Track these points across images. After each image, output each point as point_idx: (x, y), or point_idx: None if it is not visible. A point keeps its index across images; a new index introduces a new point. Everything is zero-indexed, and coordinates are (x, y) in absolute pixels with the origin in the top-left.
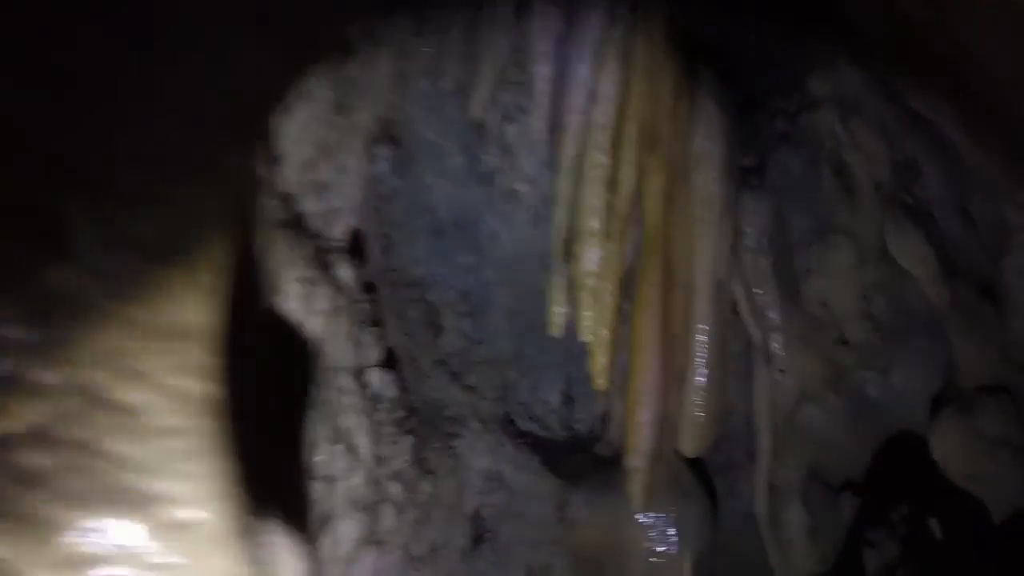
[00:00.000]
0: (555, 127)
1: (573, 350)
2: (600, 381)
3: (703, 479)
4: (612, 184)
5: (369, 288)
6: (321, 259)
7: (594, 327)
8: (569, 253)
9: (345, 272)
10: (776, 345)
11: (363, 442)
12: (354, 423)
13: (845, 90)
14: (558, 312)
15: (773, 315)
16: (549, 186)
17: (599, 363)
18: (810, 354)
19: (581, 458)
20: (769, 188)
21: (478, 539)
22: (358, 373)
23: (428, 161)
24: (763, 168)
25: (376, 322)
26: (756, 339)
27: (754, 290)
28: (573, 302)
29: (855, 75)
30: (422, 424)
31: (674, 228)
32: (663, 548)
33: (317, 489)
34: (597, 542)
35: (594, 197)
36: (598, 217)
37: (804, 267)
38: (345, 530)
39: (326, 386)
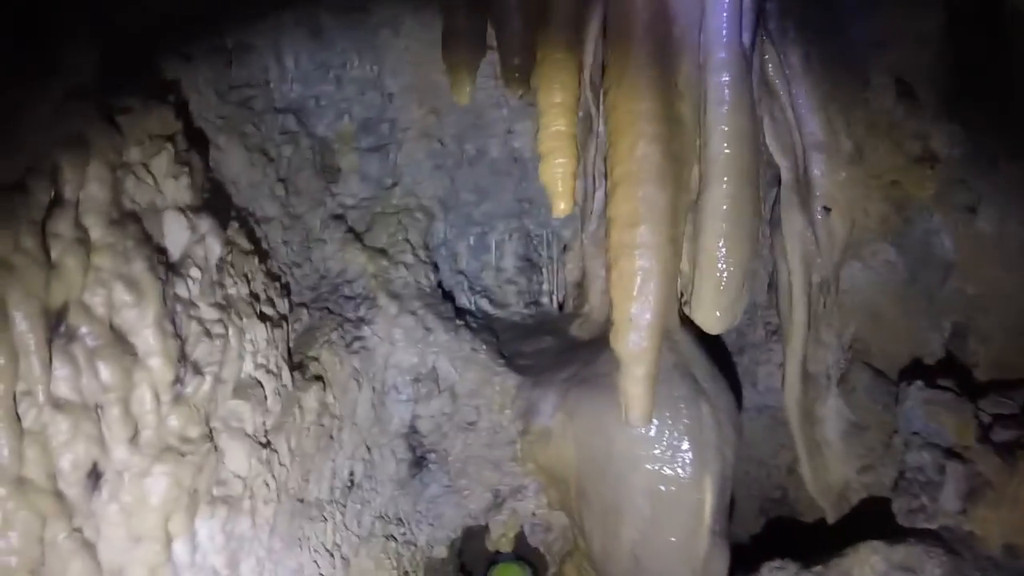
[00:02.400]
0: None
1: (530, 189)
2: (561, 202)
3: (721, 362)
4: None
5: (167, 88)
6: None
7: (539, 88)
8: None
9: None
10: (818, 171)
11: (147, 336)
12: (116, 301)
13: None
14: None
15: (812, 130)
16: None
17: (556, 166)
18: (869, 182)
19: (551, 343)
20: None
21: (419, 462)
22: (127, 218)
23: None
24: None
25: (179, 144)
26: (787, 167)
27: (782, 99)
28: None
29: None
30: (308, 310)
31: None
32: (673, 468)
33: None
34: (582, 458)
35: None
36: None
37: (872, 38)
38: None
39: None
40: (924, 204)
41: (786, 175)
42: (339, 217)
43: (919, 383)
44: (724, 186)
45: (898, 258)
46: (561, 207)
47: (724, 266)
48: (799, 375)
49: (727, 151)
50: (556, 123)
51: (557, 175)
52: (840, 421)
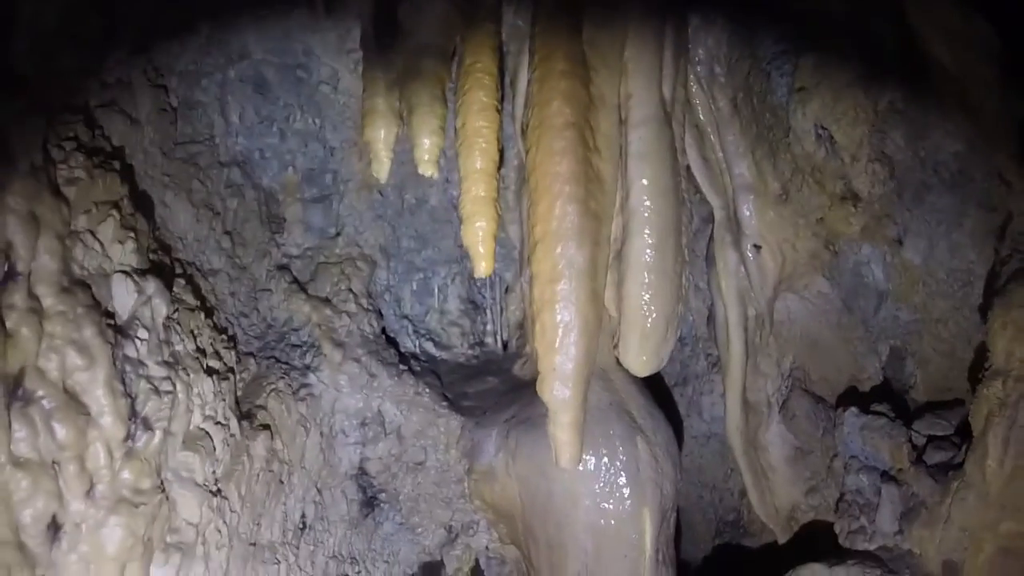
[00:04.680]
0: None
1: None
2: (482, 263)
3: (659, 396)
4: None
5: (112, 156)
6: None
7: (459, 153)
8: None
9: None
10: (747, 211)
11: (99, 397)
12: (68, 365)
13: None
14: (378, 137)
15: (741, 171)
16: None
17: (476, 231)
18: (796, 220)
19: (494, 384)
20: None
21: (370, 501)
22: (77, 285)
23: None
24: None
25: (125, 209)
26: (718, 206)
27: (712, 139)
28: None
29: None
30: (256, 359)
31: (590, 22)
32: (612, 504)
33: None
34: (525, 496)
35: None
36: None
37: (790, 87)
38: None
39: None
40: (852, 238)
41: (718, 214)
42: (284, 267)
43: (854, 409)
44: (646, 238)
45: (831, 289)
46: (482, 267)
47: (647, 313)
48: (740, 404)
49: (648, 204)
50: (476, 188)
51: (478, 238)
52: (784, 446)
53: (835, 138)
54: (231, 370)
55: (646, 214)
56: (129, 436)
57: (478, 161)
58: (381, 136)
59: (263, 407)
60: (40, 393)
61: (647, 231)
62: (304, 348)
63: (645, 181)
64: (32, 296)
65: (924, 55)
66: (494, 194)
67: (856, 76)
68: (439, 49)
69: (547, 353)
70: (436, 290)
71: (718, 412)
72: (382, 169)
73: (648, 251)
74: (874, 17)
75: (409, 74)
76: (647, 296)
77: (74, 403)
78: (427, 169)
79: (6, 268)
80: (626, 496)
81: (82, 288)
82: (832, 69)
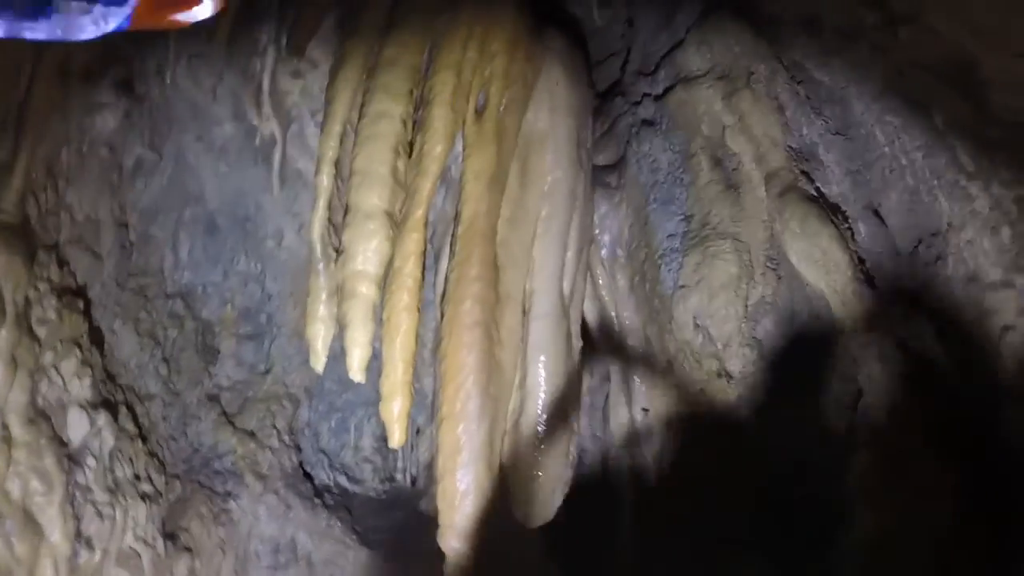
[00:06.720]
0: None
1: None
2: (397, 436)
3: (560, 537)
4: (409, 146)
5: (77, 294)
6: None
7: (383, 341)
8: (332, 245)
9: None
10: (638, 380)
11: (53, 518)
12: (30, 490)
13: (729, 60)
14: (317, 337)
15: (634, 344)
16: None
17: (392, 409)
18: (680, 389)
19: (401, 518)
20: (629, 188)
21: None
22: (40, 416)
23: (188, 125)
24: (622, 165)
25: (85, 346)
26: (614, 371)
27: (611, 313)
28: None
29: (744, 39)
30: (181, 482)
31: (505, 225)
32: None
33: None
34: None
35: (375, 161)
36: (380, 189)
37: (675, 283)
38: None
39: None
40: (729, 405)
41: (614, 377)
42: (214, 398)
43: (730, 549)
44: (538, 413)
45: (715, 447)
46: (396, 438)
47: (535, 476)
48: (630, 548)
49: (541, 385)
50: (395, 374)
51: (394, 415)
52: None
53: (710, 329)
54: (160, 493)
55: (540, 393)
56: (74, 553)
57: (397, 352)
58: (320, 337)
59: (186, 529)
60: (3, 512)
61: (539, 408)
62: (226, 475)
63: (540, 366)
64: (3, 425)
65: (788, 258)
66: (410, 378)
67: (730, 277)
68: (371, 276)
69: (447, 512)
70: (352, 428)
71: None
72: (319, 363)
73: (540, 426)
74: (747, 225)
75: (344, 294)
76: (537, 461)
77: (31, 523)
78: (356, 376)
79: None
80: None
81: (44, 419)
82: (710, 270)
